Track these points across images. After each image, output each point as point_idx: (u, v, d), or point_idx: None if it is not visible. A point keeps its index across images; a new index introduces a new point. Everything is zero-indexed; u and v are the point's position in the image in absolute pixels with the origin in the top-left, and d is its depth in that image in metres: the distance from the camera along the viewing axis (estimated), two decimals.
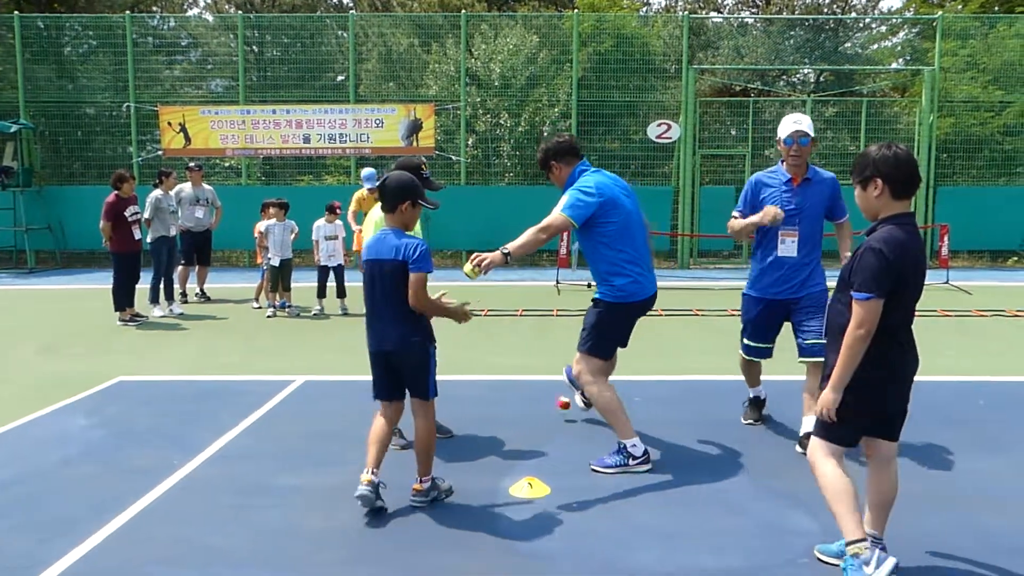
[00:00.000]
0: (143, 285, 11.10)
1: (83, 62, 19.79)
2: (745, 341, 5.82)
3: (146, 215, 11.14)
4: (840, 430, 3.58)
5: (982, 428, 5.89)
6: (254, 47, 20.48)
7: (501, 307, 11.50)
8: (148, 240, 11.25)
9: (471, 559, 3.91)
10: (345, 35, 18.83)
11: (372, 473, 4.41)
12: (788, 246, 5.41)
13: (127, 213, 10.57)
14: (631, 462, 5.03)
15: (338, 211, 11.27)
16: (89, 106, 19.48)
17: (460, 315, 4.65)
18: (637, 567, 3.82)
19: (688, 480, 4.91)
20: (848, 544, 3.47)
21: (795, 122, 5.31)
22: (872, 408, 3.57)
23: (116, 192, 10.58)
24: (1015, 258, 18.16)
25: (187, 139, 17.76)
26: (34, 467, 5.23)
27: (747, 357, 5.85)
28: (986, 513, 4.38)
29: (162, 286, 11.40)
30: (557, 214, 5.07)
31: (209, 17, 21.58)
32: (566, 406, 6.10)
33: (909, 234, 3.44)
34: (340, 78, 19.64)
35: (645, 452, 5.07)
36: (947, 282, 13.99)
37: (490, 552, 3.98)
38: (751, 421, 6.03)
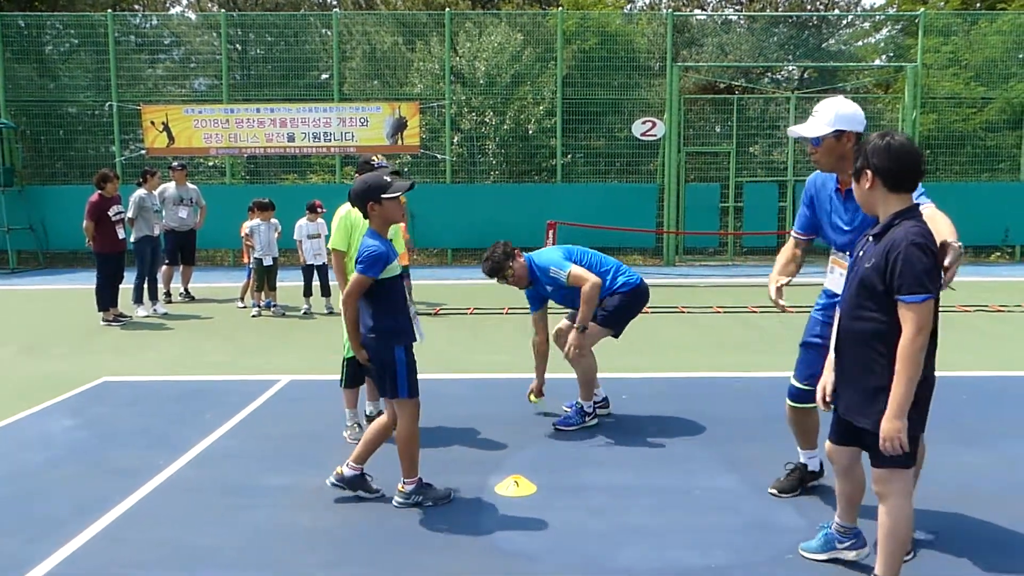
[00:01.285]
0: (127, 285, 11.04)
1: (65, 61, 19.65)
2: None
3: (129, 214, 11.11)
4: (914, 452, 3.27)
5: (965, 423, 5.93)
6: (237, 45, 20.38)
7: (487, 305, 11.49)
8: (132, 239, 11.21)
9: (457, 558, 3.91)
10: (329, 33, 18.76)
11: (347, 466, 4.61)
12: (835, 278, 4.04)
13: (111, 213, 10.52)
14: (586, 419, 5.94)
15: (320, 210, 11.23)
16: (71, 105, 19.33)
17: (354, 348, 4.53)
18: (623, 565, 3.82)
19: (675, 477, 4.92)
20: None
21: (812, 117, 4.00)
22: (926, 416, 3.30)
23: (100, 192, 10.52)
24: (997, 253, 18.29)
25: (170, 138, 17.66)
26: (18, 468, 5.20)
27: (789, 402, 4.51)
28: (968, 508, 4.41)
29: (146, 286, 11.37)
30: (576, 274, 5.69)
31: (192, 15, 21.49)
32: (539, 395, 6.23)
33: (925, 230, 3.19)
34: (324, 76, 19.58)
35: (593, 408, 5.99)
36: None
37: (476, 551, 3.98)
38: (776, 492, 4.63)
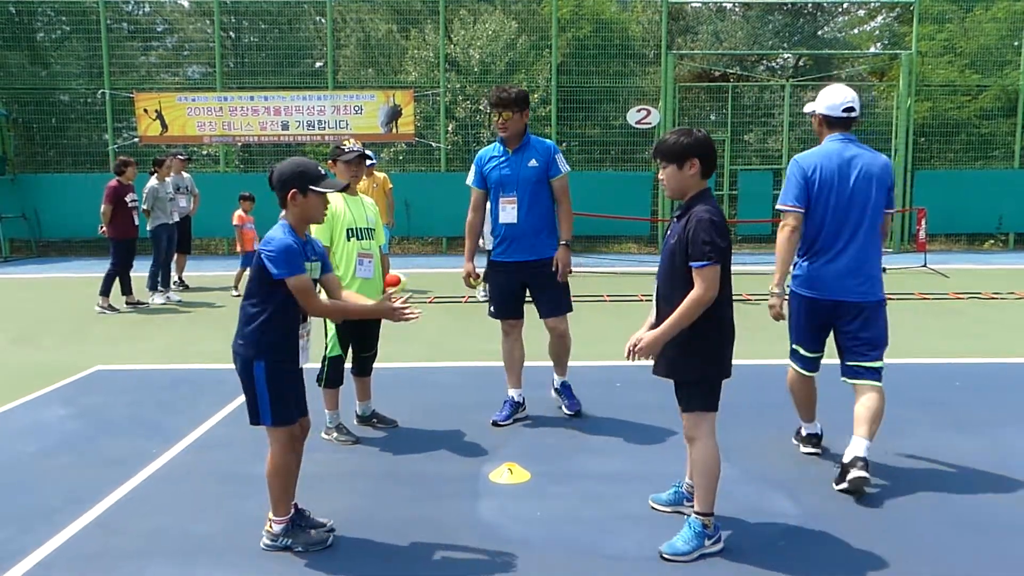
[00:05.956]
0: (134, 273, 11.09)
1: (56, 48, 19.57)
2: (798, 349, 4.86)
3: (145, 206, 11.14)
4: (715, 397, 3.91)
5: (957, 409, 5.94)
6: (231, 33, 20.31)
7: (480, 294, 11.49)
8: (148, 228, 11.26)
9: (451, 545, 3.91)
10: (323, 20, 18.70)
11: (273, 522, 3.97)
12: None
13: (127, 199, 10.66)
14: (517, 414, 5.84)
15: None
16: (63, 93, 19.27)
17: (386, 312, 3.86)
18: (618, 552, 3.83)
19: (669, 464, 4.92)
20: (704, 515, 3.80)
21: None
22: (726, 367, 3.95)
23: (118, 177, 10.66)
24: (991, 241, 18.33)
25: (164, 126, 17.61)
26: (11, 457, 5.19)
27: (800, 371, 4.90)
28: (957, 492, 4.43)
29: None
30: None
31: (185, 2, 21.32)
32: (395, 281, 5.69)
33: (719, 207, 3.82)
34: (318, 64, 19.52)
35: (517, 403, 5.83)
36: (925, 265, 14.10)
37: (470, 538, 3.98)
38: (812, 450, 5.04)
